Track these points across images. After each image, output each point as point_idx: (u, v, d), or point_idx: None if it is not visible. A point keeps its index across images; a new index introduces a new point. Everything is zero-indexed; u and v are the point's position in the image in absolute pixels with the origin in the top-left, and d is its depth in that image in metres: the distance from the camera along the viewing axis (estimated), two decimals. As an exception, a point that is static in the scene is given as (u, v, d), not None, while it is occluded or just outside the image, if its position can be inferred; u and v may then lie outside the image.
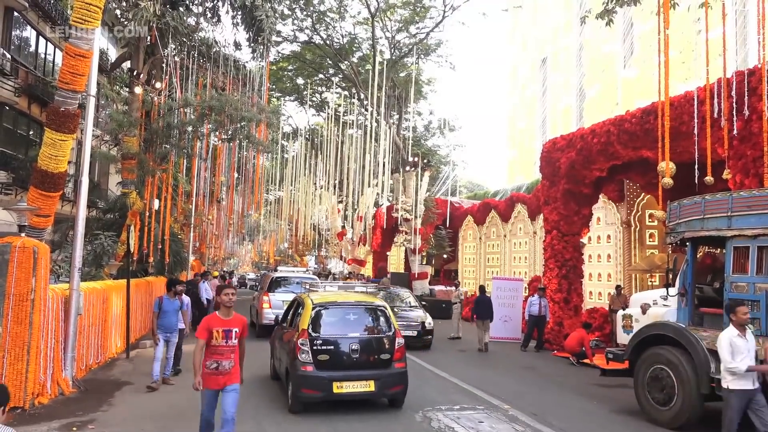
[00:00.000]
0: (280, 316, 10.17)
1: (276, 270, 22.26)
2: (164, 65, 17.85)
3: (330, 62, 36.17)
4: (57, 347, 8.31)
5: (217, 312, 5.59)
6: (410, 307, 15.54)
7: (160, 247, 15.81)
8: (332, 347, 7.71)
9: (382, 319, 8.20)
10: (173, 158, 17.31)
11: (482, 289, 15.71)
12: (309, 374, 7.53)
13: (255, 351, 11.02)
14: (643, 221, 16.58)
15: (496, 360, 13.13)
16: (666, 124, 9.71)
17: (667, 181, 9.47)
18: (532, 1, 42.57)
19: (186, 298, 9.74)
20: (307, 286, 10.25)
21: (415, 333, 13.95)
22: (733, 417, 5.94)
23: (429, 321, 14.50)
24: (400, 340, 8.09)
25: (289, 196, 40.15)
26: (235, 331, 5.51)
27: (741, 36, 22.26)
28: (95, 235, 14.51)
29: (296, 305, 9.07)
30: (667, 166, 9.46)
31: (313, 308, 8.01)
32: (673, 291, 8.44)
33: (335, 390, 7.52)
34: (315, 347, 7.63)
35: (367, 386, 7.67)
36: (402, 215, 25.69)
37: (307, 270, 27.54)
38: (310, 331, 7.75)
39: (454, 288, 19.82)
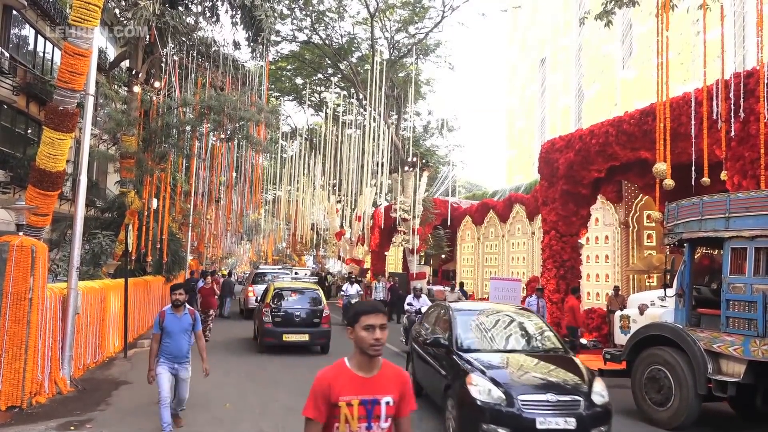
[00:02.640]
0: (257, 302, 15.84)
1: (260, 267, 28.04)
2: (163, 64, 17.83)
3: (329, 62, 36.17)
4: (55, 346, 8.31)
5: (345, 360, 2.62)
6: (545, 351, 7.22)
7: (159, 246, 15.78)
8: (284, 313, 12.61)
9: (316, 298, 13.22)
10: (172, 158, 17.30)
11: (461, 285, 19.66)
12: (269, 329, 12.43)
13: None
14: (641, 222, 16.62)
15: (494, 360, 13.09)
16: (666, 126, 9.73)
17: (669, 182, 9.49)
18: (531, 1, 42.58)
19: (196, 313, 6.79)
20: (274, 278, 18.99)
21: (572, 425, 5.80)
22: None
23: (599, 389, 6.19)
24: (326, 311, 12.93)
25: (287, 195, 40.14)
26: (387, 404, 2.58)
27: (739, 37, 22.30)
28: (93, 234, 14.48)
29: (266, 289, 14.15)
30: (668, 169, 9.48)
31: (275, 290, 13.10)
32: (670, 292, 8.46)
33: (284, 338, 12.42)
34: (273, 313, 12.53)
35: (304, 337, 12.54)
36: (400, 215, 25.69)
37: (283, 267, 32.39)
38: (271, 304, 12.70)
39: (448, 289, 19.63)
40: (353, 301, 16.81)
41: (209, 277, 15.87)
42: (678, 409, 7.39)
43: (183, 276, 18.69)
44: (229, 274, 28.99)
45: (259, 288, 18.83)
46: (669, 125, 9.94)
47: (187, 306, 6.60)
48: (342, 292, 18.13)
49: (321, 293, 13.63)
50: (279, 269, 26.61)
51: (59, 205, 16.42)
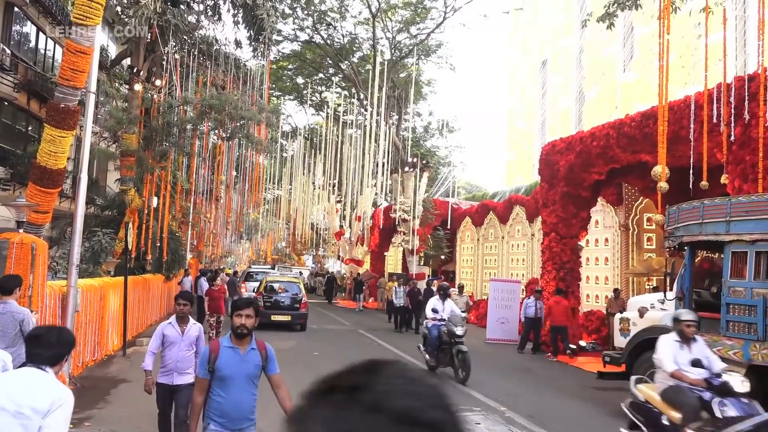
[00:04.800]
0: (254, 293, 18.43)
1: (251, 267, 32.55)
2: (164, 63, 17.83)
3: (330, 62, 36.20)
4: (54, 344, 8.28)
5: None
6: None
7: (158, 244, 15.78)
8: (272, 299, 16.43)
9: (296, 287, 17.28)
10: (172, 156, 17.30)
11: (429, 282, 19.70)
12: (260, 311, 13.58)
13: None
14: (641, 225, 16.61)
15: (492, 362, 13.14)
16: (665, 129, 9.73)
17: (663, 185, 9.50)
18: (532, 3, 42.58)
19: (269, 349, 4.08)
20: (263, 275, 22.12)
21: None
22: None
23: None
24: (305, 299, 16.80)
25: (287, 195, 40.15)
26: None
27: (741, 41, 22.31)
28: (93, 232, 14.48)
29: (261, 282, 18.36)
30: (663, 171, 9.48)
31: (266, 282, 17.60)
32: (670, 295, 8.46)
33: (272, 318, 15.56)
34: (264, 299, 16.17)
35: (287, 318, 16.22)
36: (400, 216, 25.69)
37: (273, 267, 36.16)
38: (262, 291, 16.88)
39: (456, 291, 17.18)
40: (458, 331, 10.24)
41: (219, 278, 14.65)
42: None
43: (182, 273, 18.61)
44: (235, 273, 29.10)
45: (251, 285, 22.51)
46: (668, 128, 9.94)
47: (255, 337, 3.94)
48: (432, 313, 10.91)
49: (301, 285, 18.07)
50: (268, 268, 31.47)
51: (59, 203, 16.39)
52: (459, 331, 10.25)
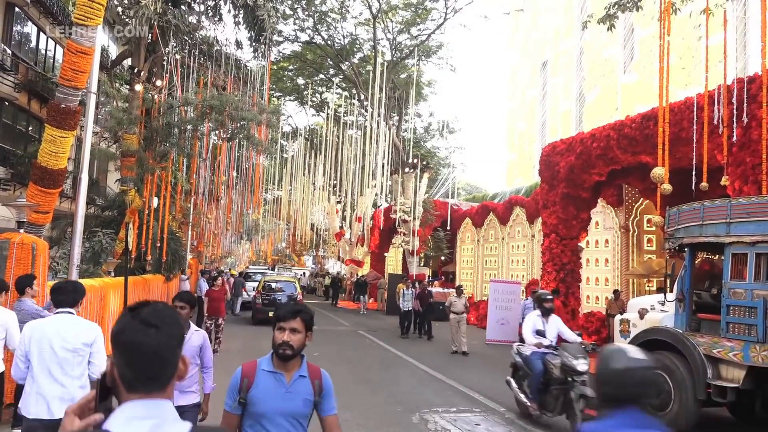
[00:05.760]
0: (253, 293, 20.28)
1: (248, 268, 35.87)
2: (165, 63, 17.84)
3: (331, 63, 36.22)
4: (54, 344, 8.28)
5: None
6: None
7: (159, 245, 15.78)
8: (270, 297, 18.08)
9: (293, 286, 19.39)
10: (173, 156, 17.31)
11: (422, 285, 19.06)
12: (259, 308, 17.73)
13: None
14: (641, 226, 16.62)
15: (493, 363, 13.14)
16: (665, 130, 9.73)
17: (667, 187, 9.50)
18: (533, 4, 42.60)
19: (325, 378, 2.84)
20: (261, 275, 24.69)
21: None
22: None
23: None
24: (300, 297, 18.08)
25: (287, 195, 40.16)
26: None
27: (741, 43, 22.32)
28: (93, 232, 14.47)
29: (259, 282, 20.52)
30: (666, 173, 9.48)
31: (264, 281, 19.68)
32: (670, 296, 8.46)
33: (269, 314, 15.72)
34: (262, 296, 18.17)
35: None
36: (400, 216, 25.71)
37: (273, 267, 39.58)
38: (260, 290, 18.69)
39: (454, 292, 16.15)
40: (580, 366, 6.85)
41: (220, 279, 13.70)
42: (677, 413, 7.38)
43: (180, 275, 18.57)
44: (240, 273, 29.08)
45: (249, 285, 23.99)
46: (669, 130, 9.95)
47: (307, 360, 2.84)
48: (534, 337, 7.50)
49: (297, 284, 20.08)
50: (266, 269, 34.89)
51: (60, 203, 16.41)
52: (581, 366, 6.83)
